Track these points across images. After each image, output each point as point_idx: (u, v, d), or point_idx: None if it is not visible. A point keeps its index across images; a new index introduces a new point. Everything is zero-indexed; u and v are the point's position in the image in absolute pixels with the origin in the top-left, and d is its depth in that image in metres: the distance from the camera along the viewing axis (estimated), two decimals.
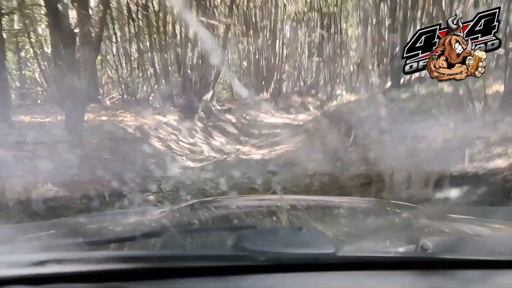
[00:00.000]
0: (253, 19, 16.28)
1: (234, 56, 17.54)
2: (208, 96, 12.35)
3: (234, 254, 0.93)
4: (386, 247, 1.16)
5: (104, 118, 8.39)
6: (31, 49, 10.67)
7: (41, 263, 0.87)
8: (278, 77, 17.78)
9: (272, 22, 16.81)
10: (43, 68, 10.34)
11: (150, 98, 11.81)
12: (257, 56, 16.40)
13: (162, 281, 0.87)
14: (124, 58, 13.07)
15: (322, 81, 22.93)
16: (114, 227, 1.49)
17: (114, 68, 12.38)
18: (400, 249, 1.08)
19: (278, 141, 10.90)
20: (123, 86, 11.98)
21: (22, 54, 12.51)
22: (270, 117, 15.40)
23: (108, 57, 13.27)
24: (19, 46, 11.58)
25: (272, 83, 17.24)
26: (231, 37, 15.08)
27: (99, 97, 10.99)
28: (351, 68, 13.91)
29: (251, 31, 16.22)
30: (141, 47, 11.95)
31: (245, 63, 16.97)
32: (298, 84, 20.27)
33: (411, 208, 1.87)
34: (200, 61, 11.61)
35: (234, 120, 12.71)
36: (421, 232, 1.38)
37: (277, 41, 17.30)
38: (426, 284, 0.91)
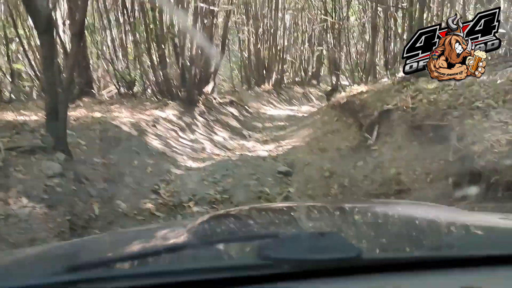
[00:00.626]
0: (253, 8, 15.29)
1: (234, 47, 16.59)
2: (208, 88, 11.44)
3: (258, 264, 0.88)
4: (411, 247, 1.11)
5: (97, 114, 7.48)
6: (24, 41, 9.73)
7: (69, 283, 0.86)
8: (280, 67, 16.82)
9: (272, 10, 15.82)
10: (31, 61, 9.39)
11: (148, 91, 10.89)
12: (258, 46, 15.42)
13: None
14: (120, 49, 12.15)
15: (324, 71, 22.04)
16: (137, 243, 1.42)
17: (110, 60, 11.44)
18: (426, 249, 1.06)
19: (284, 135, 10.04)
20: (119, 80, 11.03)
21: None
22: (273, 108, 14.52)
23: (104, 49, 12.39)
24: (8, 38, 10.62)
25: (274, 73, 16.29)
26: (231, 27, 14.14)
27: (93, 91, 10.04)
28: (358, 56, 12.95)
29: (251, 20, 15.24)
30: (138, 37, 10.98)
31: (245, 53, 16.00)
32: (299, 74, 19.35)
33: (434, 207, 1.81)
34: (200, 52, 10.67)
35: (236, 113, 11.82)
36: (445, 230, 1.34)
37: (278, 31, 16.32)
38: (455, 283, 0.84)
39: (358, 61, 12.15)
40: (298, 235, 1.14)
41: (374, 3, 9.17)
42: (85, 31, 10.18)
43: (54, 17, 6.61)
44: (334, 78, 13.33)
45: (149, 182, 5.70)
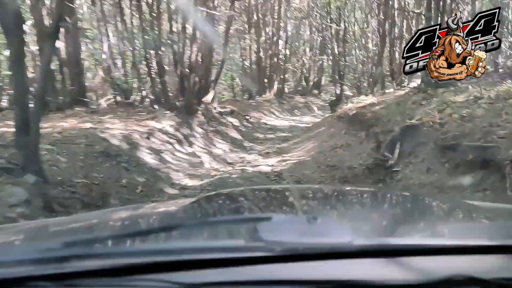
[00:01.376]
0: (255, 16, 14.53)
1: (235, 55, 15.81)
2: (208, 97, 10.65)
3: (250, 245, 0.87)
4: (402, 233, 1.11)
5: (87, 125, 6.67)
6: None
7: (64, 259, 0.84)
8: (282, 77, 16.04)
9: (274, 19, 15.07)
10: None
11: (145, 100, 10.08)
12: (260, 54, 14.65)
13: (181, 273, 0.81)
14: (118, 57, 11.38)
15: (325, 81, 21.27)
16: (132, 221, 1.40)
17: (106, 68, 10.65)
18: (417, 236, 1.07)
19: (287, 147, 9.22)
20: (116, 88, 10.23)
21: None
22: (275, 119, 13.72)
23: (101, 57, 11.63)
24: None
25: (275, 83, 15.50)
26: (232, 34, 13.37)
27: (86, 100, 9.23)
28: (363, 66, 12.13)
29: (253, 28, 14.48)
30: (135, 44, 10.19)
31: (246, 63, 15.22)
32: (300, 84, 18.57)
33: (429, 196, 1.86)
34: (200, 60, 9.89)
35: (237, 124, 11.01)
36: (436, 218, 1.32)
37: (280, 39, 15.56)
38: (446, 269, 0.80)
39: (364, 71, 11.36)
40: (292, 218, 1.09)
41: (383, 9, 8.41)
42: (81, 35, 9.46)
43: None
44: (338, 88, 12.56)
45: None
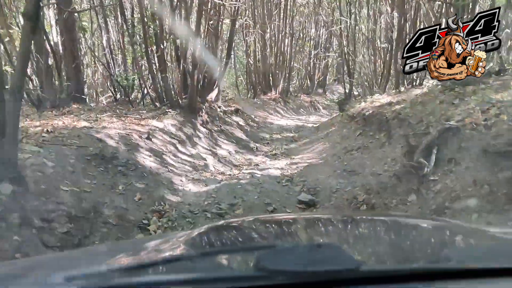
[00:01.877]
0: (260, 12, 13.87)
1: (239, 52, 15.16)
2: (212, 95, 10.00)
3: (254, 275, 0.84)
4: (409, 259, 1.07)
5: (82, 124, 6.03)
6: None
7: None
8: (287, 75, 15.39)
9: (280, 15, 14.42)
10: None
11: (146, 98, 9.44)
12: (265, 52, 13.99)
13: None
14: (118, 52, 10.74)
15: (329, 80, 20.64)
16: (134, 254, 1.32)
17: (105, 64, 10.00)
18: (424, 261, 1.04)
19: (296, 148, 8.59)
20: (115, 85, 9.58)
21: None
22: (280, 118, 13.07)
23: (100, 51, 11.02)
24: None
25: (281, 81, 14.85)
26: (237, 30, 12.73)
27: (84, 97, 8.59)
28: (373, 63, 11.44)
29: (258, 25, 13.82)
30: (136, 39, 9.53)
31: (251, 60, 14.56)
32: (305, 82, 17.92)
33: (433, 220, 1.73)
34: (204, 56, 9.23)
35: (242, 123, 10.36)
36: (443, 243, 1.26)
37: (286, 37, 14.90)
38: None
39: (375, 68, 10.70)
40: (296, 247, 1.04)
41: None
42: (79, 29, 8.80)
43: None
44: (347, 87, 11.91)
45: (136, 215, 4.23)
